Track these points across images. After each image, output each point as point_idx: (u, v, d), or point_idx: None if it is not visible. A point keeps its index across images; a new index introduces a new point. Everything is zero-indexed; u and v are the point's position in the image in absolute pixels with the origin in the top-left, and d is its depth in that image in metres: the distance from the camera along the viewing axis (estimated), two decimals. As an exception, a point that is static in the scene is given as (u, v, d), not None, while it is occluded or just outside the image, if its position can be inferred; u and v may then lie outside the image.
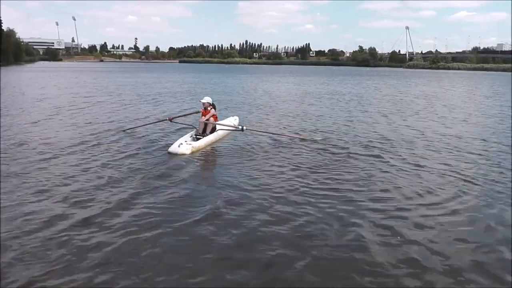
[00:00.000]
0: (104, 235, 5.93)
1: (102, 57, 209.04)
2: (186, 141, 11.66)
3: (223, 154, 11.48)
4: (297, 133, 14.08)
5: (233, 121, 14.84)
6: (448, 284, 4.88)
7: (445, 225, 6.53)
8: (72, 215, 6.62)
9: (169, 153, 11.11)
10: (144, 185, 8.22)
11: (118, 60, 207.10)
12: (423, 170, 9.80)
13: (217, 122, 13.18)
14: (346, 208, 7.16)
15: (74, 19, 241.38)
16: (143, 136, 13.43)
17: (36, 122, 15.53)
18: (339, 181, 8.80)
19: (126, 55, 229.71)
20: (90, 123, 15.63)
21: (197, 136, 12.50)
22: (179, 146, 11.26)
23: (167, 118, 13.89)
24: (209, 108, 13.10)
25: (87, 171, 9.23)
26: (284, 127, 15.71)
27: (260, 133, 13.83)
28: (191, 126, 13.55)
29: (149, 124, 14.94)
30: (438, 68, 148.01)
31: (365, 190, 8.24)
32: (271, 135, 13.58)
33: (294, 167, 9.87)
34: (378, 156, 11.12)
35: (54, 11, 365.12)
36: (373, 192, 8.09)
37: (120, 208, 6.95)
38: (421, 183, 8.76)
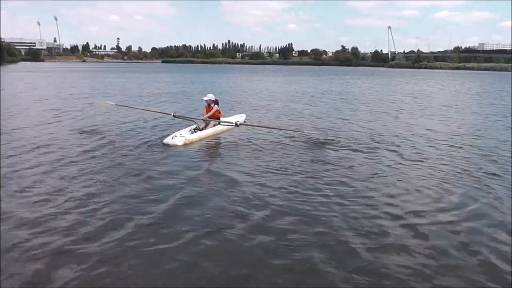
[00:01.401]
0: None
1: (85, 57, 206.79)
2: (181, 134, 12.13)
3: (214, 148, 12.05)
4: (297, 129, 14.00)
5: (239, 118, 14.86)
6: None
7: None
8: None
9: (163, 144, 11.69)
10: (128, 173, 8.69)
11: (100, 60, 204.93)
12: (431, 167, 9.75)
13: (220, 119, 13.65)
14: (342, 203, 7.14)
15: (56, 19, 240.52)
16: (144, 126, 14.58)
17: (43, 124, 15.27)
18: (328, 177, 8.78)
19: (109, 55, 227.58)
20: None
21: (195, 130, 12.93)
22: (172, 138, 11.82)
23: (172, 114, 14.06)
24: (212, 105, 13.53)
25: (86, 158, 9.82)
26: (281, 124, 15.79)
27: (258, 129, 14.05)
28: (193, 122, 13.75)
29: (153, 111, 15.97)
30: (420, 67, 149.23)
31: (368, 186, 8.22)
32: (268, 131, 13.81)
33: (283, 162, 9.95)
34: (381, 153, 11.17)
35: (37, 10, 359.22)
36: (375, 189, 8.06)
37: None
38: (433, 181, 8.65)
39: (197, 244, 5.52)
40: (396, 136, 13.79)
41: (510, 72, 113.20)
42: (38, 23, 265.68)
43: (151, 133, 13.36)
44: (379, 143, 12.50)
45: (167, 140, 11.81)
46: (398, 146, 12.12)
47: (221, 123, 13.64)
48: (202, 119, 13.42)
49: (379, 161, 10.25)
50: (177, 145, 11.55)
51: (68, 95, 27.07)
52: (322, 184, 8.24)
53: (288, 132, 13.55)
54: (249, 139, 12.85)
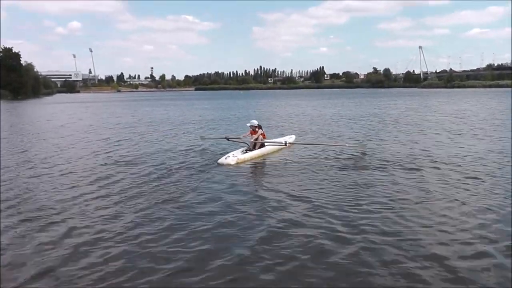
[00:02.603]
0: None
1: (119, 87, 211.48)
2: (233, 154, 13.55)
3: (264, 166, 13.25)
4: (336, 142, 15.26)
5: (288, 139, 16.02)
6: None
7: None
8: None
9: (218, 163, 13.09)
10: (184, 190, 10.02)
11: (134, 90, 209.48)
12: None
13: (265, 140, 15.11)
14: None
15: (91, 51, 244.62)
16: (204, 149, 16.23)
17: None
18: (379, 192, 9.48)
19: (143, 85, 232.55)
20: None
21: (247, 151, 14.29)
22: (225, 158, 13.25)
23: (225, 137, 16.19)
24: (257, 129, 14.97)
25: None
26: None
27: (304, 148, 15.28)
28: (245, 144, 15.10)
29: (208, 138, 18.33)
30: (453, 86, 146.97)
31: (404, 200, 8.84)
32: (312, 147, 15.10)
33: (332, 180, 10.73)
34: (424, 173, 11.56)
35: (72, 43, 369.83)
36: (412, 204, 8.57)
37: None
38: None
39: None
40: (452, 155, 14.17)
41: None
42: (74, 56, 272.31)
43: (209, 155, 14.73)
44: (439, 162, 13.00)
45: (221, 160, 13.23)
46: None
47: (270, 144, 15.09)
48: (252, 141, 14.79)
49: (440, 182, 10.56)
50: (230, 164, 12.97)
51: (116, 124, 28.63)
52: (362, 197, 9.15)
53: (332, 147, 14.68)
54: (295, 157, 14.13)
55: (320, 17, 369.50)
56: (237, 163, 13.18)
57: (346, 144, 14.44)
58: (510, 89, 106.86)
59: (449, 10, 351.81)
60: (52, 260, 6.04)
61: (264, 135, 15.24)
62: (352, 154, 14.19)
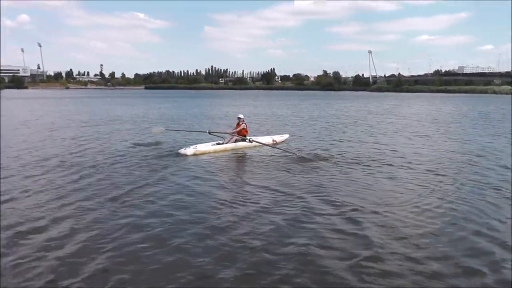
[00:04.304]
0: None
1: (68, 84, 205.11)
2: (195, 146, 14.32)
3: (221, 160, 13.64)
4: (287, 149, 15.08)
5: (279, 138, 16.86)
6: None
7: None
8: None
9: (178, 153, 14.02)
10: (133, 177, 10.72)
11: (84, 87, 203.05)
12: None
13: (252, 138, 15.64)
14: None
15: (40, 46, 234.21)
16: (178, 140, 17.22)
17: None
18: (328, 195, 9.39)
19: (92, 82, 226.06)
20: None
21: (218, 144, 15.09)
22: (185, 149, 14.05)
23: (207, 131, 16.56)
24: (240, 123, 15.58)
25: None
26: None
27: (266, 147, 15.39)
28: (222, 138, 15.80)
29: (190, 131, 19.42)
30: (402, 91, 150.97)
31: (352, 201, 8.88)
32: (271, 149, 15.20)
33: (276, 181, 10.65)
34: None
35: (21, 37, 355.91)
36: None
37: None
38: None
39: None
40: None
41: (489, 94, 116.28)
42: (22, 50, 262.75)
43: (179, 147, 15.05)
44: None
45: (181, 150, 14.09)
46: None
47: (240, 140, 15.43)
48: (230, 133, 15.47)
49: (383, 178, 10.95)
50: (186, 155, 13.72)
51: (76, 122, 27.43)
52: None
53: (286, 153, 14.45)
54: (259, 156, 14.28)
55: (272, 19, 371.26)
56: (195, 154, 13.85)
57: (297, 153, 14.17)
58: (457, 94, 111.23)
59: (398, 17, 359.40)
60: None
61: (246, 130, 15.77)
62: (310, 156, 14.03)
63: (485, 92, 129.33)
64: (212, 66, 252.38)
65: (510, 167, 12.48)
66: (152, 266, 5.66)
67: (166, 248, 6.21)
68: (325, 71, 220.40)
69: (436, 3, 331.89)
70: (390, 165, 12.74)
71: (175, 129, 20.71)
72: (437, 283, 5.34)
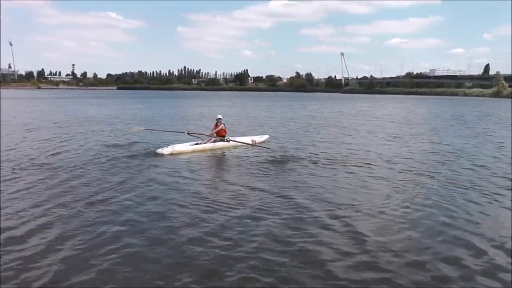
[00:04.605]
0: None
1: (40, 84, 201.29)
2: (173, 146, 14.35)
3: (198, 160, 13.59)
4: (275, 151, 14.79)
5: (258, 138, 16.99)
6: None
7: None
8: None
9: (156, 153, 13.98)
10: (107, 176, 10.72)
11: (55, 87, 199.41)
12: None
13: (233, 138, 16.04)
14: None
15: (11, 44, 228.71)
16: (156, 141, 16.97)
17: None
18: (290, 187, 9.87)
19: (64, 82, 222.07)
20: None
21: (197, 145, 15.20)
22: (162, 149, 14.05)
23: (186, 132, 16.61)
24: (219, 123, 15.72)
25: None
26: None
27: (248, 147, 15.69)
28: (200, 138, 15.86)
29: (170, 131, 18.96)
30: (374, 92, 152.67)
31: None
32: (249, 147, 15.57)
33: (253, 176, 11.09)
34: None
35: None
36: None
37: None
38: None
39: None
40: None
41: (460, 97, 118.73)
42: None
43: (156, 147, 14.92)
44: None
45: (158, 150, 14.09)
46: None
47: (219, 140, 15.64)
48: (208, 135, 15.63)
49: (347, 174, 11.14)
50: (163, 154, 13.78)
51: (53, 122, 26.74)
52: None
53: (262, 148, 15.08)
54: (236, 156, 14.35)
55: (245, 20, 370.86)
56: (172, 153, 13.91)
57: (270, 147, 14.96)
58: (429, 96, 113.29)
59: (371, 19, 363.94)
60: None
61: (224, 130, 16.04)
62: (282, 155, 14.09)
63: (456, 94, 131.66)
64: (185, 67, 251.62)
65: (483, 165, 13.00)
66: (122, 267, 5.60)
67: (115, 252, 6.07)
68: (297, 73, 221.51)
69: (408, 7, 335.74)
70: (369, 164, 12.91)
71: (154, 129, 20.57)
72: (416, 270, 5.62)
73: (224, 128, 16.01)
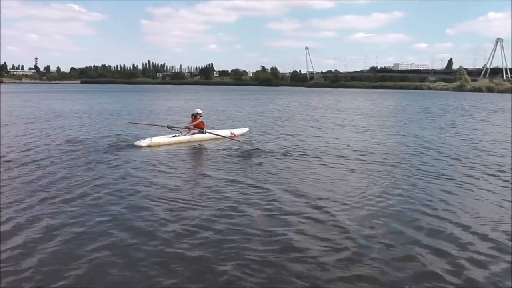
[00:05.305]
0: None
1: (2, 78, 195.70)
2: (151, 138, 14.56)
3: (176, 152, 13.74)
4: (252, 144, 14.78)
5: (237, 131, 17.24)
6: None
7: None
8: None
9: (134, 145, 14.24)
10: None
11: (18, 81, 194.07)
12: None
13: (210, 131, 16.25)
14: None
15: None
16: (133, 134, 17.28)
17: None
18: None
19: (27, 76, 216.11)
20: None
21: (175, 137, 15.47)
22: (140, 141, 14.34)
23: (166, 125, 16.86)
24: (198, 116, 15.99)
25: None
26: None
27: (224, 140, 15.86)
28: (179, 131, 16.03)
29: (149, 124, 19.30)
30: (338, 86, 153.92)
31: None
32: (226, 140, 15.76)
33: (229, 172, 10.89)
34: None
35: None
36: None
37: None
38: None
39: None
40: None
41: (424, 90, 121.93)
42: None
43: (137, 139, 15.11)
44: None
45: (136, 142, 14.34)
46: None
47: (198, 133, 15.87)
48: (187, 127, 15.85)
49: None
50: (141, 146, 14.01)
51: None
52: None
53: (243, 145, 14.79)
54: (215, 149, 14.43)
55: (209, 14, 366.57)
56: (149, 145, 14.11)
57: (240, 140, 15.29)
58: (393, 90, 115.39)
59: (335, 14, 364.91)
60: None
61: (204, 124, 16.30)
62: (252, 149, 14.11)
63: (420, 88, 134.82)
64: (149, 61, 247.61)
65: (454, 156, 13.42)
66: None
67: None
68: (263, 67, 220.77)
69: (371, 2, 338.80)
70: (342, 156, 13.13)
71: (137, 122, 20.87)
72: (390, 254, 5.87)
73: (203, 121, 16.26)
